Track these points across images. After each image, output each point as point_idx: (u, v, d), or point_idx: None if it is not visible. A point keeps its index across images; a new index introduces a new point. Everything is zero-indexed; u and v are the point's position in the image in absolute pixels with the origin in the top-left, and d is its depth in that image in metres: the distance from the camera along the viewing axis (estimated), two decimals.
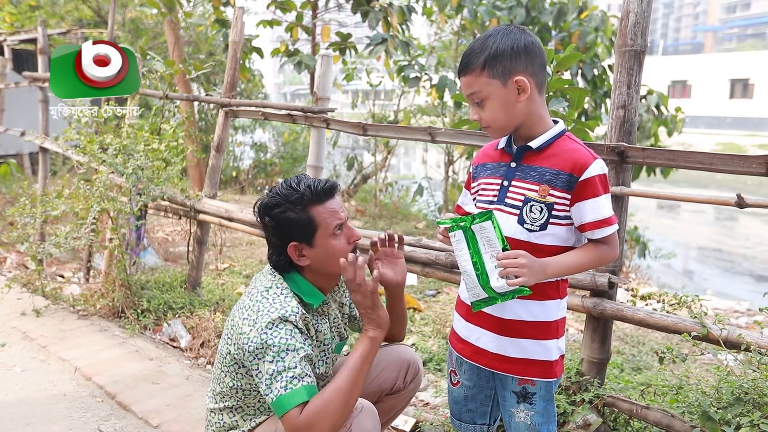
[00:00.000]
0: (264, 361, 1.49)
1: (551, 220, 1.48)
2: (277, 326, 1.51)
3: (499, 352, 1.56)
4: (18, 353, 3.19)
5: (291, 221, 1.61)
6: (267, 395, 1.48)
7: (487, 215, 1.46)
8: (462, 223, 1.48)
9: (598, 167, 1.46)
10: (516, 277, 1.38)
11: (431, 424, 2.49)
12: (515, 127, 1.51)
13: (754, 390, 1.84)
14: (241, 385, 1.64)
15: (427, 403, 2.79)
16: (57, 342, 3.32)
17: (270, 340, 1.50)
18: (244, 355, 1.54)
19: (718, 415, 1.81)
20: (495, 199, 1.55)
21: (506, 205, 1.52)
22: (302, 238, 1.63)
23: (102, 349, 3.25)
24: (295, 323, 1.54)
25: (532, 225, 1.48)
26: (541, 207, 1.47)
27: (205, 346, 3.31)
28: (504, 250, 1.43)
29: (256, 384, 1.61)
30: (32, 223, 3.84)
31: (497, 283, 1.42)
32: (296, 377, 1.47)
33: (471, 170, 1.71)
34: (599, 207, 1.46)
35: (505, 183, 1.54)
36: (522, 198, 1.50)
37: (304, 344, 1.54)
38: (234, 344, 1.60)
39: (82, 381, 2.90)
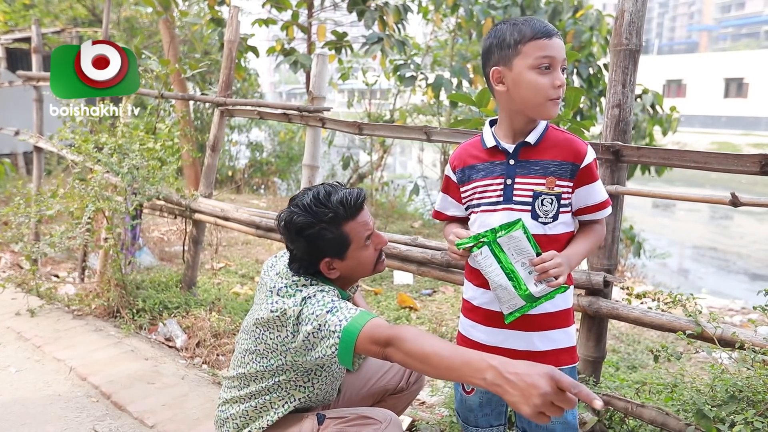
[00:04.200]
0: (315, 312, 1.48)
1: (561, 210, 1.51)
2: (314, 295, 1.53)
3: (529, 349, 1.55)
4: (12, 353, 3.18)
5: (325, 241, 1.58)
6: (328, 333, 1.44)
7: (515, 224, 1.45)
8: (484, 239, 1.46)
9: (591, 152, 1.54)
10: (556, 277, 1.42)
11: (427, 423, 2.49)
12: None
13: (749, 388, 1.85)
14: (271, 367, 1.62)
15: (423, 402, 2.79)
16: (52, 342, 3.31)
17: (316, 299, 1.51)
18: (288, 322, 1.52)
19: (713, 413, 1.82)
20: (500, 199, 1.53)
21: (515, 203, 1.51)
22: (335, 254, 1.61)
23: (97, 349, 3.23)
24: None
25: (545, 218, 1.50)
26: (551, 199, 1.50)
27: (201, 345, 3.30)
28: (538, 254, 1.44)
29: (291, 360, 1.58)
30: (27, 222, 3.83)
31: (536, 288, 1.42)
32: (353, 308, 1.48)
33: (454, 173, 1.65)
34: (599, 190, 1.54)
35: (509, 181, 1.52)
36: (531, 193, 1.50)
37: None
38: (265, 330, 1.58)
39: (77, 381, 2.89)
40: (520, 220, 1.46)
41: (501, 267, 1.45)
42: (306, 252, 1.61)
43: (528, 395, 1.09)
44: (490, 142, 1.57)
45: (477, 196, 1.58)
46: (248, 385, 1.68)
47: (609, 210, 1.58)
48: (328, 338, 1.45)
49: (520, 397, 1.10)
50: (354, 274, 1.68)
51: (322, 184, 1.66)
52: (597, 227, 1.59)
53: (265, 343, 1.60)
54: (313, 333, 1.47)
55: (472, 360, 1.22)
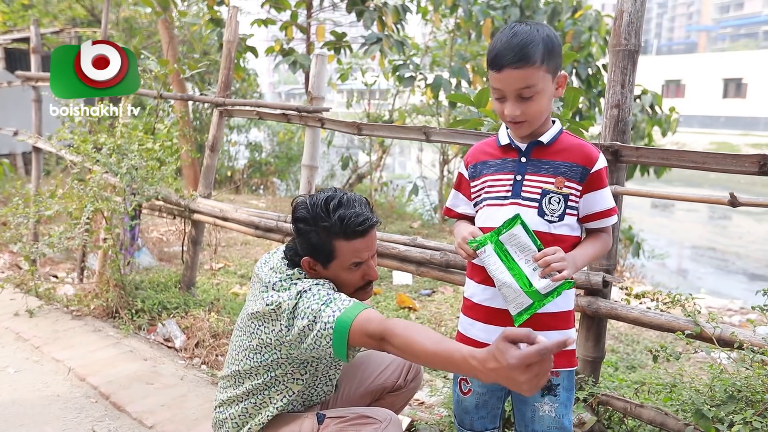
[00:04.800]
0: (313, 302, 1.50)
1: (567, 211, 1.52)
2: (310, 289, 1.54)
3: None
4: (11, 354, 3.18)
5: (311, 242, 1.60)
6: (324, 320, 1.45)
7: (514, 221, 1.46)
8: (491, 237, 1.48)
9: (603, 160, 1.55)
10: (559, 271, 1.41)
11: (426, 423, 2.49)
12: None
13: (747, 388, 1.85)
14: (265, 362, 1.63)
15: (422, 402, 2.79)
16: (50, 342, 3.30)
17: (314, 291, 1.53)
18: (278, 323, 1.54)
19: (712, 413, 1.82)
20: (509, 194, 1.55)
21: (523, 198, 1.54)
22: (318, 259, 1.63)
23: (96, 349, 3.23)
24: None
25: (551, 216, 1.52)
26: (559, 198, 1.51)
27: (200, 346, 3.30)
28: (540, 249, 1.44)
29: (286, 354, 1.59)
30: (25, 223, 3.82)
31: (541, 283, 1.42)
32: (347, 299, 1.49)
33: (467, 170, 1.68)
34: (606, 198, 1.55)
35: (518, 177, 1.55)
36: (539, 191, 1.52)
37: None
38: (261, 324, 1.59)
39: (75, 381, 2.89)
40: (518, 215, 1.47)
41: (505, 265, 1.45)
42: (297, 240, 1.66)
43: (514, 384, 1.13)
44: (504, 140, 1.60)
45: (486, 190, 1.61)
46: (243, 383, 1.69)
47: (615, 218, 1.58)
48: (323, 330, 1.46)
49: (506, 384, 1.15)
50: (334, 283, 1.68)
51: (345, 192, 1.63)
52: (603, 236, 1.60)
53: (259, 338, 1.61)
54: (308, 326, 1.48)
55: (453, 359, 1.25)
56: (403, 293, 4.48)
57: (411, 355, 1.34)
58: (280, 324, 1.54)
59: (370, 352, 2.03)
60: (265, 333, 1.59)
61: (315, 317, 1.47)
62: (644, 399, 2.22)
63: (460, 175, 1.71)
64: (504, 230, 1.46)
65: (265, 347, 1.61)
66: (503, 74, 1.43)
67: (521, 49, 1.40)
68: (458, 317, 1.73)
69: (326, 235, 1.58)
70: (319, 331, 1.46)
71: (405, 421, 2.48)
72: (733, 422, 1.75)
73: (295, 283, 1.58)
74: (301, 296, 1.53)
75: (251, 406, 1.69)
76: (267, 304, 1.56)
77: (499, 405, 1.72)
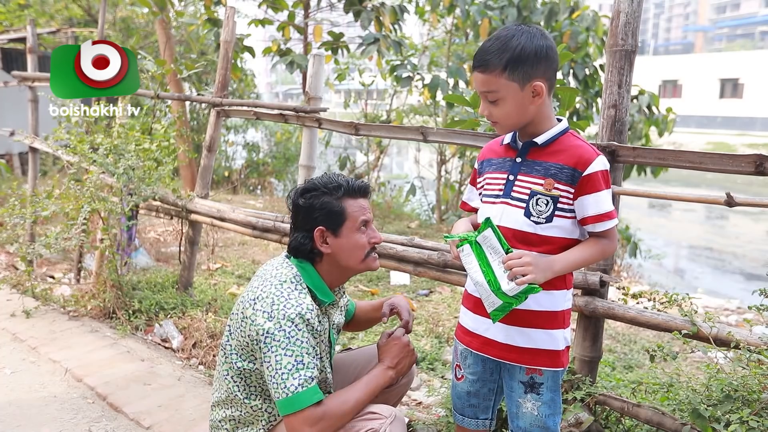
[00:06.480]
0: (278, 354, 1.53)
1: (556, 213, 1.52)
2: (294, 323, 1.56)
3: (508, 342, 1.58)
4: (8, 355, 3.17)
5: (324, 205, 1.69)
6: (279, 388, 1.52)
7: (485, 224, 1.49)
8: (469, 237, 1.52)
9: (600, 163, 1.50)
10: (523, 275, 1.41)
11: (424, 423, 2.49)
12: (523, 126, 1.54)
13: (744, 387, 1.86)
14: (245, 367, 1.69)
15: (420, 402, 2.79)
16: (47, 343, 3.30)
17: (286, 335, 1.54)
18: (254, 344, 1.59)
19: (708, 413, 1.83)
20: (501, 193, 1.58)
21: (512, 198, 1.55)
22: (330, 226, 1.70)
23: (93, 350, 3.22)
24: (309, 321, 1.59)
25: (538, 217, 1.52)
26: (546, 200, 1.51)
27: (197, 346, 3.30)
28: (507, 252, 1.46)
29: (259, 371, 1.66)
30: (22, 223, 3.81)
31: (507, 286, 1.44)
32: (312, 377, 1.54)
33: (477, 166, 1.73)
34: (600, 201, 1.50)
35: (511, 177, 1.57)
36: (528, 191, 1.53)
37: (315, 345, 1.60)
38: (246, 334, 1.62)
39: (72, 382, 2.89)
40: (488, 219, 1.50)
41: (480, 265, 1.49)
42: (305, 217, 1.70)
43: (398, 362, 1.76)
44: (506, 139, 1.63)
45: (485, 187, 1.65)
46: (236, 381, 1.71)
47: (611, 223, 1.51)
48: (278, 380, 1.53)
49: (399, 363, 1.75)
50: (344, 258, 1.72)
51: (336, 172, 1.80)
52: (602, 240, 1.54)
53: (236, 340, 1.67)
54: (268, 371, 1.56)
55: (379, 384, 1.69)
56: (401, 293, 4.48)
57: (354, 411, 1.60)
58: (259, 327, 1.59)
59: (359, 350, 2.05)
60: (242, 336, 1.65)
61: (275, 367, 1.54)
62: (641, 398, 2.22)
63: (474, 170, 1.76)
64: (480, 232, 1.51)
65: (242, 349, 1.66)
66: (474, 75, 1.52)
67: (484, 54, 1.47)
68: (456, 317, 1.75)
69: (335, 195, 1.70)
70: (271, 385, 1.54)
71: None
72: (730, 422, 1.75)
73: (276, 303, 1.59)
74: (270, 335, 1.55)
75: (240, 413, 1.72)
76: (244, 318, 1.62)
77: (491, 396, 1.74)
